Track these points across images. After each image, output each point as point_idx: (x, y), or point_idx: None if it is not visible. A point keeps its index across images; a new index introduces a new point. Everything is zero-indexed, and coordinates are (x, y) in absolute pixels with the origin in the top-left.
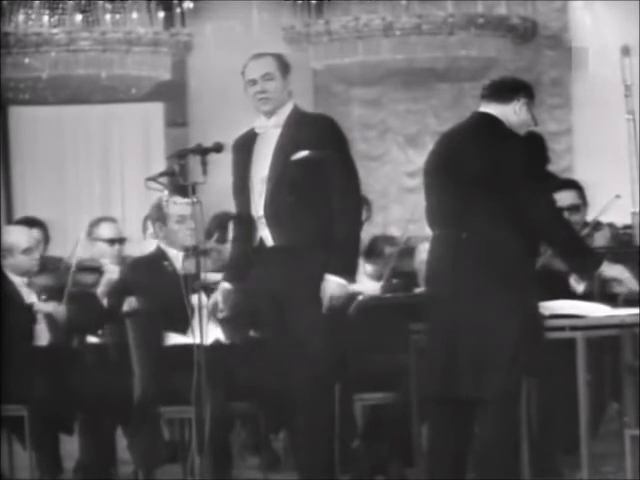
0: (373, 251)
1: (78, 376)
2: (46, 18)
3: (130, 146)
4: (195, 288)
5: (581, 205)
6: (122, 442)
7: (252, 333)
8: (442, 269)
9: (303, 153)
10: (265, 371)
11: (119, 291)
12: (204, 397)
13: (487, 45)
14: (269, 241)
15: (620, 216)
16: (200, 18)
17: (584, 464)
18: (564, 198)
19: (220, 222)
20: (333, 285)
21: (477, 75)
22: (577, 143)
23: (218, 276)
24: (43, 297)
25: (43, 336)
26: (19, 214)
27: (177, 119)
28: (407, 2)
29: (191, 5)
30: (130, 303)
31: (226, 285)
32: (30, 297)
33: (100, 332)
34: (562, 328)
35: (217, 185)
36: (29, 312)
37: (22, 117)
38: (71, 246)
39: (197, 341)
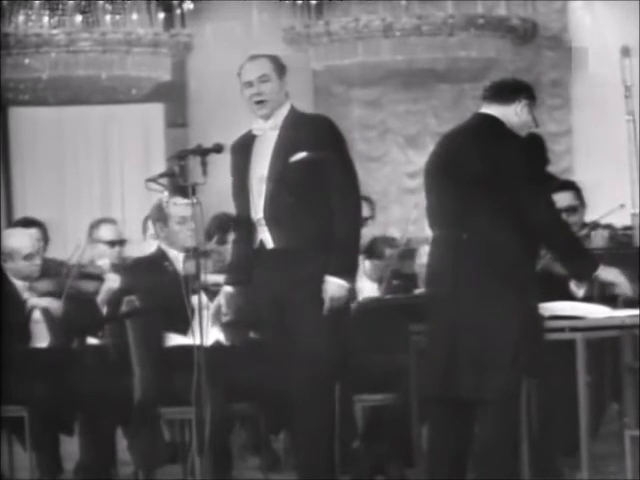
0: (373, 252)
1: (78, 377)
2: (46, 19)
3: (130, 147)
4: (195, 289)
5: (579, 206)
6: (122, 443)
7: (252, 334)
8: (442, 270)
9: (302, 154)
10: (265, 372)
11: (119, 297)
12: (204, 398)
13: (487, 46)
14: (269, 243)
15: (620, 217)
16: (200, 19)
17: (584, 465)
18: (562, 199)
19: (220, 223)
20: (334, 286)
21: (477, 76)
22: (577, 144)
23: (218, 277)
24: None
25: (43, 337)
26: (19, 215)
27: (177, 120)
28: (407, 3)
29: (191, 6)
30: (128, 303)
31: (229, 289)
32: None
33: (100, 334)
34: (562, 329)
35: (217, 186)
36: (25, 308)
37: (22, 118)
38: (71, 247)
39: (197, 342)
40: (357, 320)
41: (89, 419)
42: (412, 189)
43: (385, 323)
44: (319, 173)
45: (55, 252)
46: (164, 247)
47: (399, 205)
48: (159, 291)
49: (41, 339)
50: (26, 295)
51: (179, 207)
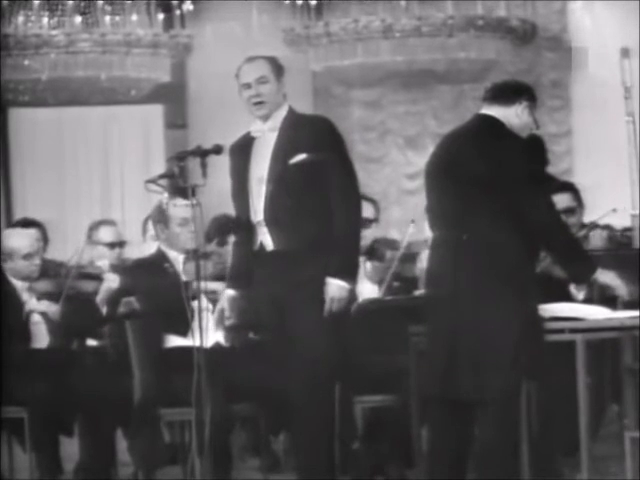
0: (374, 254)
1: (78, 378)
2: (46, 20)
3: (130, 148)
4: (194, 295)
5: (577, 207)
6: (122, 444)
7: (251, 335)
8: (442, 270)
9: (301, 156)
10: (265, 373)
11: (119, 296)
12: (204, 399)
13: (487, 47)
14: (269, 245)
15: (620, 218)
16: (200, 20)
17: (584, 466)
18: (560, 201)
19: (220, 225)
20: (335, 288)
21: (477, 77)
22: (577, 145)
23: (217, 285)
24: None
25: (43, 338)
26: (19, 215)
27: (177, 121)
28: (406, 4)
29: (191, 7)
30: (126, 304)
31: (231, 292)
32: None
33: (100, 335)
34: (562, 330)
35: (217, 187)
36: (22, 307)
37: (22, 119)
38: (71, 248)
39: (197, 343)
40: (357, 321)
41: (89, 420)
42: (412, 190)
43: (385, 324)
44: (319, 174)
45: (55, 253)
46: (164, 248)
47: (399, 206)
48: (159, 292)
49: (41, 340)
50: (25, 296)
51: (179, 209)
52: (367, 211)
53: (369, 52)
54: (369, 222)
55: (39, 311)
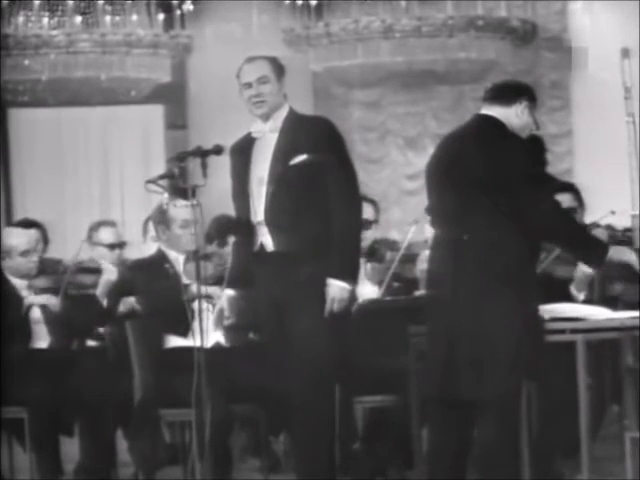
0: (374, 255)
1: (78, 378)
2: (46, 20)
3: (130, 148)
4: (193, 298)
5: (578, 208)
6: (122, 444)
7: (251, 336)
8: (443, 271)
9: (302, 157)
10: (265, 374)
11: (119, 292)
12: (204, 399)
13: (487, 47)
14: (269, 246)
15: (620, 219)
16: (200, 20)
17: (584, 466)
18: (561, 201)
19: (220, 225)
20: (336, 289)
21: (477, 77)
22: (577, 145)
23: (216, 290)
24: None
25: (43, 338)
26: (19, 216)
27: (177, 121)
28: (406, 4)
29: (191, 7)
30: (125, 303)
31: (231, 292)
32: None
33: (100, 335)
34: (562, 331)
35: (217, 188)
36: (22, 306)
37: (21, 119)
38: (71, 248)
39: (197, 344)
40: (357, 322)
41: (89, 420)
42: (412, 191)
43: (385, 325)
44: (319, 175)
45: (55, 253)
46: (164, 249)
47: (399, 207)
48: (159, 293)
49: (41, 340)
50: (25, 294)
51: (180, 210)
52: (367, 212)
53: (369, 52)
54: (369, 223)
55: (39, 303)
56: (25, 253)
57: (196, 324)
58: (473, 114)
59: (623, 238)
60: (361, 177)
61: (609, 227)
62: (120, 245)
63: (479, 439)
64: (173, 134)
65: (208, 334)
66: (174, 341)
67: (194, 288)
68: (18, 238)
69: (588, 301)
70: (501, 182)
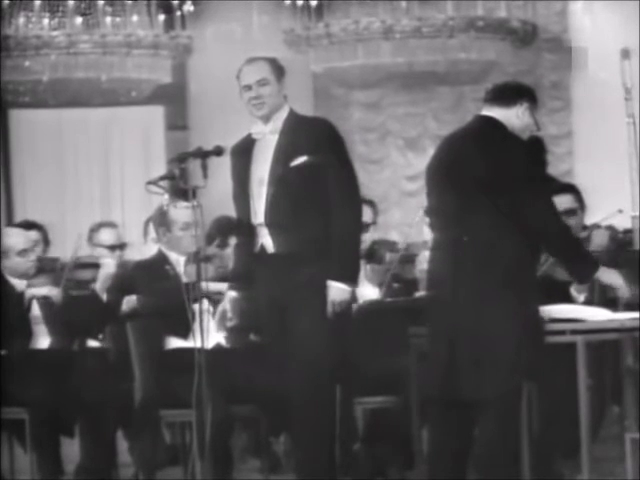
0: (373, 256)
1: (79, 379)
2: (46, 21)
3: (130, 149)
4: (196, 297)
5: (578, 209)
6: (123, 445)
7: (252, 337)
8: (443, 272)
9: (302, 158)
10: (266, 374)
11: (119, 289)
12: (205, 400)
13: (487, 48)
14: (270, 247)
15: (620, 220)
16: (200, 21)
17: (584, 467)
18: (561, 202)
19: (221, 226)
20: (336, 291)
21: (477, 78)
22: (577, 146)
23: (221, 286)
24: (41, 300)
25: (44, 338)
26: (19, 217)
27: (177, 122)
28: (407, 5)
29: (191, 8)
30: (129, 302)
31: (234, 294)
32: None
33: (101, 335)
34: (563, 332)
35: (218, 189)
36: (24, 301)
37: (22, 120)
38: (71, 249)
39: (198, 344)
40: (358, 323)
41: (90, 421)
42: (412, 192)
43: (385, 326)
44: (319, 177)
45: (55, 254)
46: (165, 250)
47: (399, 208)
48: (160, 295)
49: (41, 341)
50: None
51: (181, 211)
52: (365, 213)
53: (369, 53)
54: (366, 226)
55: (40, 295)
56: (22, 253)
57: (197, 325)
58: (473, 115)
59: (625, 238)
60: (361, 178)
61: (610, 228)
62: (121, 246)
63: (479, 439)
64: (173, 135)
65: (209, 335)
66: (175, 342)
67: (202, 285)
68: (15, 238)
69: (588, 302)
70: (501, 183)
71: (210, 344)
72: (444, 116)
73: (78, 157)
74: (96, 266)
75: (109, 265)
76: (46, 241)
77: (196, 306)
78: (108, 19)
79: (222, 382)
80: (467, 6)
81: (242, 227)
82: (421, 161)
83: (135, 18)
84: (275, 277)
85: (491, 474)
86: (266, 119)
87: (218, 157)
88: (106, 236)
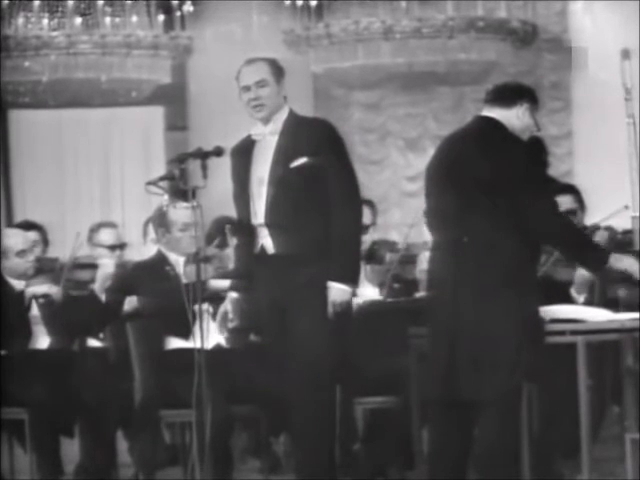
0: (374, 257)
1: (79, 379)
2: (46, 21)
3: (130, 150)
4: (198, 299)
5: (578, 209)
6: (123, 445)
7: (252, 337)
8: (443, 272)
9: (302, 159)
10: (266, 375)
11: (118, 289)
12: (205, 400)
13: (487, 48)
14: (270, 248)
15: (620, 220)
16: (200, 21)
17: (585, 467)
18: (561, 203)
19: (220, 227)
20: (337, 292)
21: (477, 78)
22: (577, 147)
23: (222, 283)
24: (41, 300)
25: (43, 340)
26: (19, 217)
27: (177, 123)
28: (407, 5)
29: (191, 8)
30: (130, 302)
31: (235, 294)
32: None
33: (101, 335)
34: (563, 332)
35: (218, 189)
36: (23, 300)
37: (22, 120)
38: (70, 249)
39: (198, 345)
40: (358, 323)
41: (90, 421)
42: (412, 193)
43: (386, 326)
44: (319, 177)
45: (55, 255)
46: (164, 251)
47: (399, 209)
48: (160, 295)
49: (41, 340)
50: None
51: (180, 212)
52: (364, 215)
53: (369, 54)
54: (366, 227)
55: (41, 293)
56: (21, 253)
57: (197, 326)
58: (474, 116)
59: (624, 238)
60: (361, 179)
61: (609, 229)
62: (120, 246)
63: (480, 439)
64: (173, 135)
65: (209, 335)
66: (175, 342)
67: (210, 283)
68: (14, 238)
69: (588, 303)
70: (501, 184)
71: (210, 344)
72: (444, 117)
73: (78, 158)
74: (94, 267)
75: (107, 265)
76: (45, 241)
77: (196, 306)
78: (108, 19)
79: (222, 382)
80: (467, 6)
81: (242, 228)
82: (421, 162)
83: (135, 18)
84: (275, 278)
85: (491, 474)
86: (265, 120)
87: (218, 158)
88: (106, 236)
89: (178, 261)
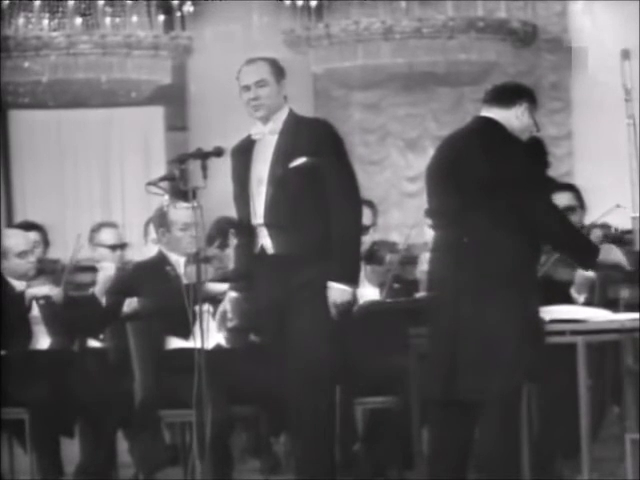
0: (374, 257)
1: (79, 379)
2: (46, 21)
3: (130, 150)
4: (198, 300)
5: (577, 207)
6: (123, 445)
7: (252, 337)
8: (444, 273)
9: (301, 159)
10: (266, 375)
11: (118, 291)
12: (205, 400)
13: (487, 49)
14: (270, 248)
15: (621, 221)
16: (200, 21)
17: (585, 467)
18: (560, 199)
19: (221, 227)
20: (337, 292)
21: (477, 79)
22: (577, 147)
23: (222, 286)
24: (41, 302)
25: (43, 340)
26: (19, 218)
27: (177, 123)
28: (407, 5)
29: (191, 8)
30: (130, 304)
31: (234, 294)
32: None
33: (101, 336)
34: (563, 332)
35: (218, 190)
36: (24, 301)
37: (22, 121)
38: (71, 250)
39: (198, 345)
40: (358, 323)
41: (90, 421)
42: (412, 193)
43: (386, 326)
44: (319, 178)
45: (55, 255)
46: (165, 251)
47: (399, 209)
48: (161, 295)
49: (42, 341)
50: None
51: (181, 212)
52: (364, 216)
53: (370, 54)
54: (366, 228)
55: (41, 295)
56: (22, 254)
57: (197, 326)
58: (473, 116)
59: (617, 235)
60: (361, 179)
61: (604, 226)
62: (121, 246)
63: (480, 440)
64: (173, 136)
65: (209, 335)
66: (175, 342)
67: (208, 286)
68: (15, 239)
69: (589, 303)
70: (501, 184)
71: (210, 344)
72: (444, 117)
73: (78, 158)
74: (95, 269)
75: (108, 268)
76: (46, 242)
77: (196, 307)
78: (108, 20)
79: (222, 382)
80: (467, 7)
81: (243, 228)
82: (421, 162)
83: (135, 19)
84: (275, 278)
85: (491, 474)
86: (265, 120)
87: (218, 158)
88: (107, 236)
89: (179, 261)
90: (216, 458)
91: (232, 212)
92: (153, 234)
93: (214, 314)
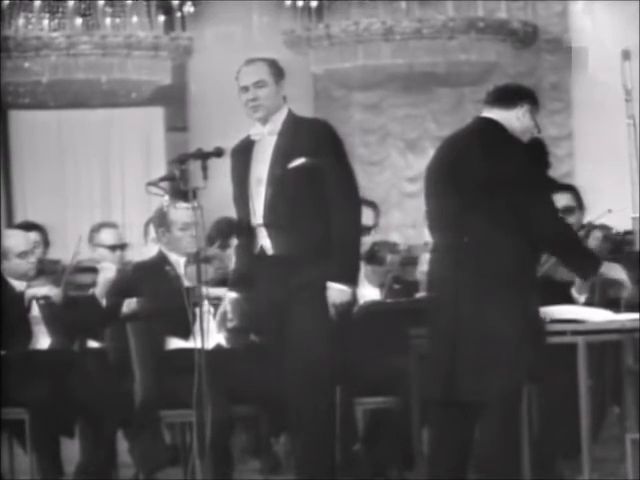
0: (374, 257)
1: (79, 379)
2: (46, 22)
3: (130, 150)
4: (196, 301)
5: (576, 208)
6: (123, 445)
7: (252, 337)
8: (444, 273)
9: (300, 160)
10: (266, 375)
11: (118, 292)
12: (205, 401)
13: (487, 49)
14: (269, 248)
15: (621, 221)
16: (200, 22)
17: (585, 468)
18: (559, 200)
19: (221, 228)
20: (337, 292)
21: (477, 79)
22: (578, 148)
23: (220, 291)
24: (41, 302)
25: (44, 340)
26: (19, 218)
27: (177, 123)
28: (407, 5)
29: (191, 9)
30: (129, 304)
31: (234, 295)
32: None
33: (101, 336)
34: (563, 333)
35: (218, 190)
36: (24, 301)
37: (22, 121)
38: (71, 251)
39: (198, 345)
40: (358, 323)
41: (90, 421)
42: (412, 193)
43: (386, 326)
44: (318, 178)
45: (56, 256)
46: (165, 251)
47: (399, 210)
48: (161, 295)
49: (42, 341)
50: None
51: (181, 212)
52: (366, 215)
53: (370, 54)
54: (368, 229)
55: (41, 295)
56: (22, 255)
57: (197, 326)
58: (474, 117)
59: (617, 237)
60: (361, 180)
61: (603, 227)
62: (121, 246)
63: (480, 440)
64: (173, 136)
65: (209, 336)
66: (175, 343)
67: (202, 290)
68: (15, 239)
69: (589, 303)
70: (501, 185)
71: (210, 345)
72: (444, 118)
73: (78, 158)
74: (96, 270)
75: (108, 270)
76: (46, 242)
77: (197, 307)
78: (108, 20)
79: (222, 382)
80: (467, 7)
81: (242, 228)
82: (421, 163)
83: (135, 19)
84: (275, 278)
85: (492, 474)
86: (264, 121)
87: (218, 158)
88: (107, 236)
89: (179, 261)
90: (216, 458)
91: (232, 212)
92: (153, 234)
93: (214, 314)
